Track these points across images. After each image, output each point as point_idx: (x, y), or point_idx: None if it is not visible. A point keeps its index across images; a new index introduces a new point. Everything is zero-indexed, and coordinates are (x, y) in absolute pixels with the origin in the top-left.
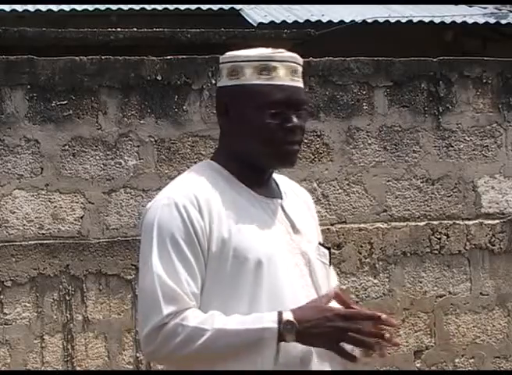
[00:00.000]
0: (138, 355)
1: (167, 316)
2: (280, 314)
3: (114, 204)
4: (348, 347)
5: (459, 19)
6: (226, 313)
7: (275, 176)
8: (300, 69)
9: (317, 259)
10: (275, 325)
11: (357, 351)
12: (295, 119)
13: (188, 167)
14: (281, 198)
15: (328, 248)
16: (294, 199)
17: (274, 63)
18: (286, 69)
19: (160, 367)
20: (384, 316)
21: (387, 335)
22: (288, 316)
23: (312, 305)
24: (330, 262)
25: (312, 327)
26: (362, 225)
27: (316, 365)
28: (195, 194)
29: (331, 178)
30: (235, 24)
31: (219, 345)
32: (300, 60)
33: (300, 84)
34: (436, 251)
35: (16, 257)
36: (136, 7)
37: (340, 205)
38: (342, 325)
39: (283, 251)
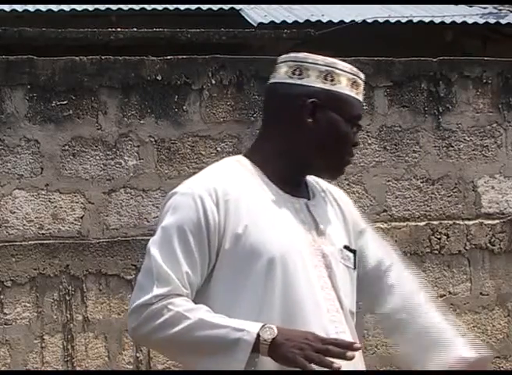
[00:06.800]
0: (138, 355)
1: (155, 297)
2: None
3: (114, 204)
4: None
5: (459, 19)
6: (239, 306)
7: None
8: None
9: (339, 262)
10: (256, 330)
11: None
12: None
13: (188, 167)
14: (308, 199)
15: (354, 252)
16: (324, 200)
17: (359, 80)
18: (362, 88)
19: (160, 367)
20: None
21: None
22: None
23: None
24: (355, 265)
25: (287, 341)
26: None
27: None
28: (215, 187)
29: None
30: (235, 24)
31: (196, 336)
32: None
33: None
34: (436, 251)
35: (16, 257)
36: (136, 7)
37: None
38: (317, 346)
39: (303, 250)
